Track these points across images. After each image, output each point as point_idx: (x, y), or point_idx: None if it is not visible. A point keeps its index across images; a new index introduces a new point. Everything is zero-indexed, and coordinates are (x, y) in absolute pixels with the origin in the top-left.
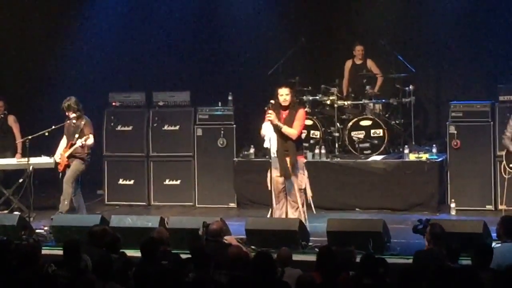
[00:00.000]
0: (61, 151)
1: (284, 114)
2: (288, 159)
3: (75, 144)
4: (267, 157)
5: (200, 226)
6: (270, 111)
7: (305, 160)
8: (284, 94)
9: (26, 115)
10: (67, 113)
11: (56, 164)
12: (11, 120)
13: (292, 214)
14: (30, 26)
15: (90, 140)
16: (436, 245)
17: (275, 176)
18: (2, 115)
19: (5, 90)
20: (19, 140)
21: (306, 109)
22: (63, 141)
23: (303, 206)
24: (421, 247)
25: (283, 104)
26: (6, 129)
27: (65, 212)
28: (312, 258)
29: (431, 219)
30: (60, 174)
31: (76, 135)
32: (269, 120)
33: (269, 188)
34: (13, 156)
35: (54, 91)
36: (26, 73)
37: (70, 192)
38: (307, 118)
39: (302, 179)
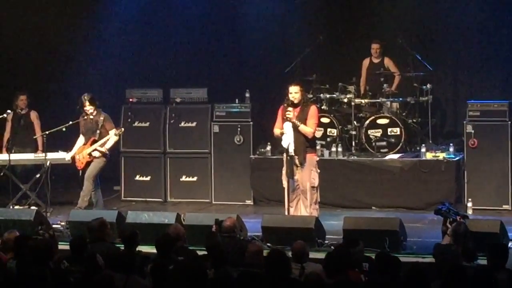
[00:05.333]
0: (77, 149)
1: (296, 111)
2: (296, 158)
3: (97, 140)
4: (284, 154)
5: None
6: (289, 109)
7: (318, 158)
8: (293, 92)
9: (44, 110)
10: (84, 109)
11: (73, 161)
12: (33, 116)
13: (305, 212)
14: (49, 22)
15: (112, 142)
16: (456, 243)
17: (286, 174)
18: (25, 110)
19: (24, 86)
20: (38, 136)
21: (317, 106)
22: (80, 140)
23: (315, 204)
24: None
25: (294, 102)
26: (27, 125)
27: (83, 208)
28: None
29: (451, 208)
30: (80, 172)
31: (98, 131)
32: (288, 118)
33: (284, 186)
34: (33, 152)
35: (72, 87)
36: (44, 69)
37: (91, 189)
38: (324, 116)
39: (315, 177)
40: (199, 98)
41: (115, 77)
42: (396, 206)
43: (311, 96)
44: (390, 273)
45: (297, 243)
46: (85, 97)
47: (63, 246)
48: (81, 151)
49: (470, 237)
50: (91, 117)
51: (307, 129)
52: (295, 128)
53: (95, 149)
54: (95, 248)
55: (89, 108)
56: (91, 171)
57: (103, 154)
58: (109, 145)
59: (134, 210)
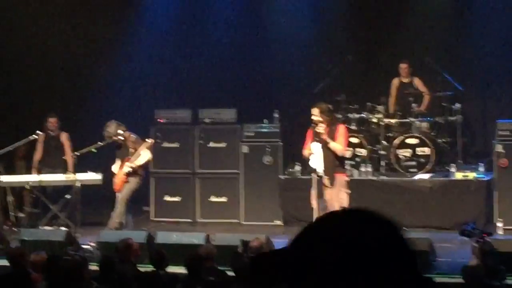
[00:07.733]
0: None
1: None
2: (325, 178)
3: (130, 159)
4: (312, 174)
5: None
6: (321, 124)
7: (348, 178)
8: (312, 114)
9: (74, 132)
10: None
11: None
12: (64, 137)
13: None
14: (78, 44)
15: (144, 158)
16: (484, 262)
17: (315, 194)
18: (55, 132)
19: (54, 107)
20: (67, 157)
21: (345, 125)
22: (116, 165)
23: None
24: None
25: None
26: (58, 147)
27: (114, 229)
28: None
29: (475, 227)
30: (117, 195)
31: (131, 150)
32: (319, 133)
33: (313, 206)
34: (63, 173)
35: (101, 107)
36: (74, 90)
37: (123, 212)
38: (353, 136)
39: (344, 197)
40: (228, 119)
41: (144, 97)
42: (426, 226)
43: (340, 116)
44: None
45: None
46: (116, 127)
47: (93, 266)
48: (117, 174)
49: (493, 255)
50: (122, 138)
51: (337, 145)
52: (325, 145)
53: (129, 167)
54: (121, 268)
55: (121, 133)
56: (124, 194)
57: (136, 171)
58: (140, 161)
59: (163, 231)
